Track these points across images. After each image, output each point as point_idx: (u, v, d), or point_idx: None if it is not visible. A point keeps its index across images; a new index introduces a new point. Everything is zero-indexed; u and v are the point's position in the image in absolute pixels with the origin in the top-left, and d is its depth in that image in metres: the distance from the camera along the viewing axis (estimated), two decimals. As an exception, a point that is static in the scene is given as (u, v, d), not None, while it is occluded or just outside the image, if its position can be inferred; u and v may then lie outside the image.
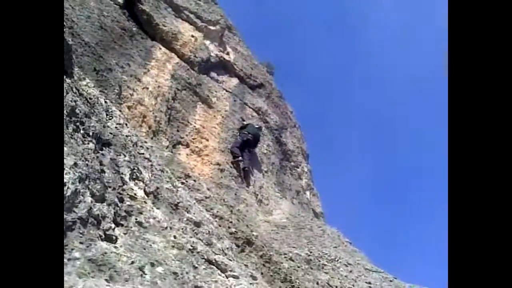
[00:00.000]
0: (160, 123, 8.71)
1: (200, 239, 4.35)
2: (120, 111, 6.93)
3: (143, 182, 4.37)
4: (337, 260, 8.46)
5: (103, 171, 3.77)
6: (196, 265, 3.88)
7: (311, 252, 8.20)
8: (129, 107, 8.01)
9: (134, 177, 4.29)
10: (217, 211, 6.81)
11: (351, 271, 8.36)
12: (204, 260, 4.06)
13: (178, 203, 4.63)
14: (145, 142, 7.21)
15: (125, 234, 3.52)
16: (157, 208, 4.25)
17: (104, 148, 4.07)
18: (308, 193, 14.83)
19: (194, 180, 7.24)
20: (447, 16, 2.89)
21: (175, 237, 3.98)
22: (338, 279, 7.79)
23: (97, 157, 3.80)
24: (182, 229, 4.23)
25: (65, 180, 2.98)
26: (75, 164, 3.28)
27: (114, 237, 3.32)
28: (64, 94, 3.61)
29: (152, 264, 3.32)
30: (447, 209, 2.57)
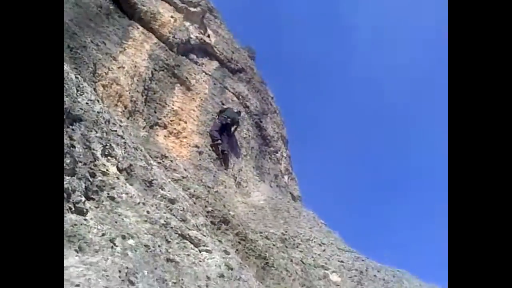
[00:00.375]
0: (136, 103, 8.62)
1: (174, 215, 4.38)
2: (94, 89, 6.85)
3: (115, 158, 4.36)
4: (312, 240, 8.61)
5: (73, 146, 3.75)
6: (169, 240, 3.91)
7: (286, 232, 8.32)
8: (104, 86, 7.89)
9: (106, 153, 4.28)
10: (194, 191, 6.83)
11: (324, 250, 8.53)
12: (177, 235, 4.10)
13: (152, 180, 4.64)
14: (120, 121, 7.16)
15: (96, 207, 3.53)
16: (130, 185, 4.25)
17: (74, 123, 4.03)
18: (286, 177, 14.96)
19: (171, 161, 7.25)
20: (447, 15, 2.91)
21: (148, 212, 4.00)
22: (312, 257, 7.94)
23: (67, 132, 3.77)
24: (156, 205, 4.26)
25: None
26: (44, 136, 3.26)
27: (84, 210, 3.33)
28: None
29: (124, 237, 3.35)
30: (446, 208, 2.60)
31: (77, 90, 4.43)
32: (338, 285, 7.58)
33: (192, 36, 11.79)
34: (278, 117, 16.62)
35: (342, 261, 8.37)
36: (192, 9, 12.07)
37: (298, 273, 6.79)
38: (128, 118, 8.09)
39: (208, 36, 13.04)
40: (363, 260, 9.06)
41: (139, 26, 9.76)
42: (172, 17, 11.05)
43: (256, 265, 6.05)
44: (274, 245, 7.29)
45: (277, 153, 15.00)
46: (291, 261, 7.05)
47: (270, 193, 11.25)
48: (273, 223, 8.62)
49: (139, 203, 4.03)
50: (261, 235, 7.30)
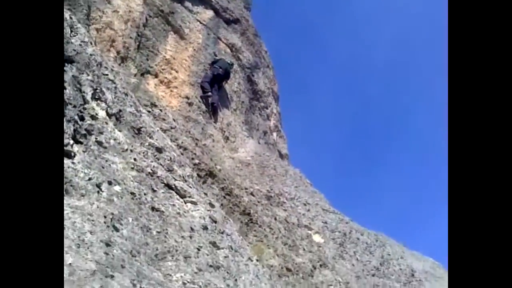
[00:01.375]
0: (129, 49, 8.41)
1: (161, 164, 4.37)
2: (88, 32, 6.64)
3: (105, 103, 4.29)
4: (297, 199, 8.74)
5: (63, 87, 3.67)
6: (155, 189, 3.92)
7: (271, 189, 8.42)
8: (97, 30, 7.67)
9: (96, 97, 4.20)
10: (182, 142, 6.82)
11: (309, 210, 8.68)
12: (163, 184, 4.11)
13: (141, 127, 4.60)
14: (112, 67, 7.00)
15: (84, 152, 3.50)
16: (119, 131, 4.21)
17: (66, 65, 3.93)
18: (275, 134, 14.97)
19: (160, 110, 7.17)
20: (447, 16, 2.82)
21: (135, 159, 3.98)
22: (296, 216, 8.09)
23: (58, 72, 3.67)
24: (143, 153, 4.24)
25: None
26: (33, 75, 3.17)
27: (72, 153, 3.29)
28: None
29: (110, 183, 3.34)
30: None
31: (71, 31, 4.29)
32: (320, 246, 7.76)
33: (188, -18, 11.37)
34: (270, 72, 16.38)
35: (325, 222, 8.53)
36: (189, -47, 11.56)
37: (281, 231, 6.92)
38: (120, 64, 7.92)
39: (205, -17, 12.60)
40: (347, 223, 9.25)
41: (134, -32, 9.35)
42: (168, -39, 10.60)
43: (240, 221, 6.15)
44: (259, 202, 7.39)
45: (267, 109, 14.92)
46: (275, 219, 7.17)
47: (258, 150, 11.29)
48: (259, 180, 8.70)
49: (126, 149, 4.00)
50: (246, 191, 7.38)
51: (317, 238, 8.03)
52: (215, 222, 4.13)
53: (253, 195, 7.56)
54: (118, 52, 8.09)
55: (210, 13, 12.33)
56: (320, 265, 7.18)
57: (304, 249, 7.25)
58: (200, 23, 11.59)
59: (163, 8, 9.89)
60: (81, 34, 4.50)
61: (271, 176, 9.48)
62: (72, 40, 4.24)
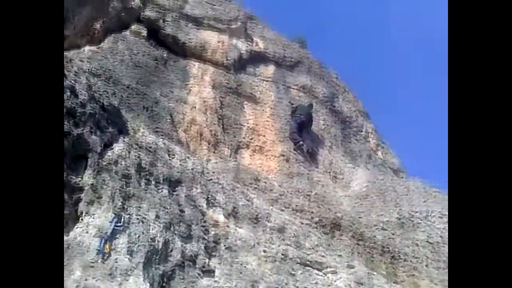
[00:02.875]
0: (216, 135, 8.94)
1: (288, 245, 4.46)
2: (178, 139, 7.21)
3: (219, 206, 4.55)
4: (431, 215, 8.22)
5: (182, 211, 3.99)
6: (293, 272, 4.00)
7: (401, 215, 8.05)
8: (185, 131, 8.32)
9: (210, 204, 4.49)
10: (296, 205, 6.90)
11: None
12: (298, 264, 4.17)
13: (257, 215, 4.77)
14: (209, 159, 7.43)
15: (219, 263, 3.71)
16: (240, 228, 4.41)
17: (176, 188, 4.28)
18: (379, 153, 14.47)
19: (265, 182, 7.39)
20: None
21: (264, 251, 4.12)
22: (437, 234, 7.60)
23: (174, 200, 4.02)
24: (269, 240, 4.37)
25: (152, 236, 3.18)
26: (157, 216, 3.50)
27: (211, 270, 3.51)
28: (126, 154, 3.84)
29: (253, 286, 3.48)
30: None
31: (169, 155, 4.70)
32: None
33: (242, 51, 11.92)
34: (349, 94, 16.11)
35: (471, 226, 7.90)
36: (233, 26, 12.22)
37: (429, 256, 6.56)
38: (214, 152, 8.42)
39: (257, 44, 13.09)
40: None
41: (195, 62, 10.12)
42: (218, 41, 11.29)
43: (382, 262, 5.95)
44: (393, 234, 7.11)
45: (361, 131, 14.59)
46: (417, 245, 6.83)
47: (369, 176, 10.95)
48: (383, 209, 8.39)
49: (254, 245, 4.16)
50: (376, 228, 7.16)
51: (468, 248, 7.43)
52: (361, 284, 4.06)
53: (385, 229, 7.29)
54: (208, 142, 8.64)
55: (271, 67, 12.70)
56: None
57: (459, 266, 6.74)
58: (266, 81, 11.97)
59: (230, 85, 10.45)
60: (177, 153, 4.91)
61: (394, 199, 9.09)
62: (173, 163, 4.64)
